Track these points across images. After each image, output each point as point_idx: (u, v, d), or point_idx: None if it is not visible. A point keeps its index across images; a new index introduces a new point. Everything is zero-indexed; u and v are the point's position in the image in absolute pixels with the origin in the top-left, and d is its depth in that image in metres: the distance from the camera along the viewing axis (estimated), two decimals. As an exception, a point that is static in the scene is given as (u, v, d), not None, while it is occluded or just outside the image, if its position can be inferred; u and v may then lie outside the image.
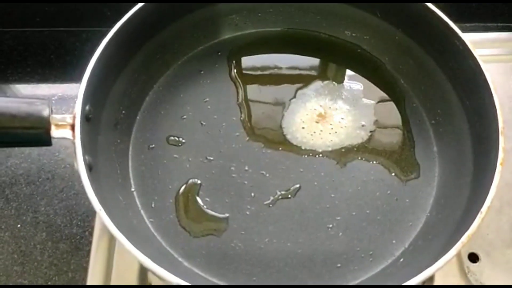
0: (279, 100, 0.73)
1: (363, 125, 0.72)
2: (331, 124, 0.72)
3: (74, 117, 0.58)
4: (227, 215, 0.66)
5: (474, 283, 0.66)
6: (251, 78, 0.76)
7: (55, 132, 0.58)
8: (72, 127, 0.58)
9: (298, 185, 0.68)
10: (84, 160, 0.57)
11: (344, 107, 0.71)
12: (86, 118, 0.60)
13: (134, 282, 0.65)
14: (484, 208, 0.56)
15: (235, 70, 0.76)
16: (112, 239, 0.67)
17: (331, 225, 0.66)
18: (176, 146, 0.71)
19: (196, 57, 0.77)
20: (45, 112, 0.58)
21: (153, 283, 0.66)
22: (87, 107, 0.61)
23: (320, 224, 0.66)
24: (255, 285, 0.63)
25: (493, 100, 0.62)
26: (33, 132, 0.58)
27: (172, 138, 0.71)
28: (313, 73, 0.76)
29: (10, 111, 0.57)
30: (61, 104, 0.80)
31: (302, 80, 0.75)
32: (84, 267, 0.68)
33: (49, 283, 0.68)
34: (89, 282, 0.66)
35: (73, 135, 0.58)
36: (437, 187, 0.68)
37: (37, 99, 0.59)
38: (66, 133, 0.58)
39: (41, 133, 0.58)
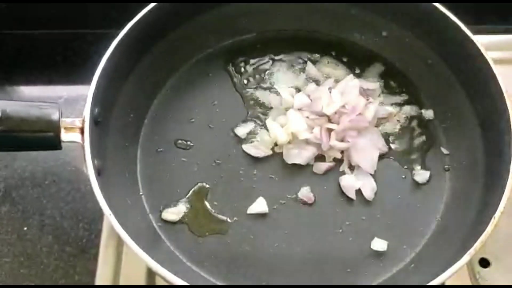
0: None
1: (372, 129, 0.72)
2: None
3: (83, 121, 0.58)
4: (235, 219, 0.66)
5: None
6: (259, 80, 0.75)
7: (64, 136, 0.58)
8: (82, 130, 0.58)
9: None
10: (93, 164, 0.57)
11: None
12: (95, 122, 0.60)
13: (142, 284, 0.65)
14: (497, 214, 0.56)
15: (242, 72, 0.76)
16: (120, 242, 0.67)
17: (340, 230, 0.65)
18: (184, 149, 0.70)
19: (205, 60, 0.76)
20: (55, 116, 0.58)
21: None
22: (96, 111, 0.60)
23: (329, 229, 0.65)
24: (254, 285, 0.62)
25: (505, 104, 0.62)
26: (42, 136, 0.58)
27: (180, 141, 0.71)
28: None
29: (20, 114, 0.57)
30: (67, 106, 0.79)
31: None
32: (91, 270, 0.67)
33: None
34: (97, 284, 0.65)
35: (82, 139, 0.58)
36: (448, 192, 0.68)
37: (46, 102, 0.59)
38: (75, 136, 0.58)
39: (50, 137, 0.58)
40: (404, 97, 0.74)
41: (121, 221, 0.55)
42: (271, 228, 0.65)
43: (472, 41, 0.66)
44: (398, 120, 0.72)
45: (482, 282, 0.66)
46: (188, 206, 0.66)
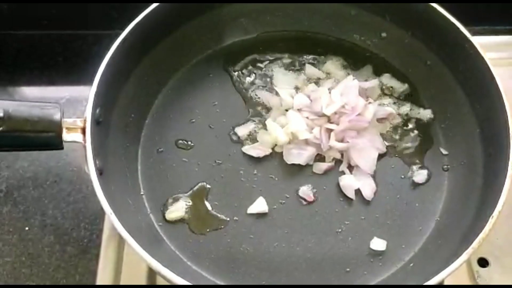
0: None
1: (372, 129, 0.72)
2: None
3: (85, 121, 0.59)
4: (235, 218, 0.66)
5: None
6: (259, 80, 0.76)
7: (66, 136, 0.59)
8: (83, 130, 0.59)
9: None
10: (95, 163, 0.57)
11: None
12: (96, 122, 0.61)
13: (143, 284, 0.66)
14: (495, 213, 0.56)
15: (242, 73, 0.76)
16: (121, 241, 0.67)
17: (340, 230, 0.66)
18: (185, 149, 0.71)
19: (205, 60, 0.77)
20: (57, 116, 0.58)
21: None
22: (97, 111, 0.61)
23: (329, 229, 0.66)
24: (254, 285, 0.63)
25: (504, 104, 0.62)
26: (44, 136, 0.58)
27: (181, 141, 0.71)
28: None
29: (23, 114, 0.58)
30: (68, 106, 0.80)
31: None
32: (92, 270, 0.68)
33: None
34: (98, 283, 0.66)
35: (84, 139, 0.58)
36: (447, 192, 0.68)
37: (48, 103, 0.60)
38: (77, 136, 0.59)
39: (52, 137, 0.58)
40: (402, 97, 0.74)
41: (122, 220, 0.56)
42: (271, 227, 0.66)
43: (470, 42, 0.66)
44: (397, 121, 0.73)
45: (480, 282, 0.67)
46: (189, 205, 0.67)
